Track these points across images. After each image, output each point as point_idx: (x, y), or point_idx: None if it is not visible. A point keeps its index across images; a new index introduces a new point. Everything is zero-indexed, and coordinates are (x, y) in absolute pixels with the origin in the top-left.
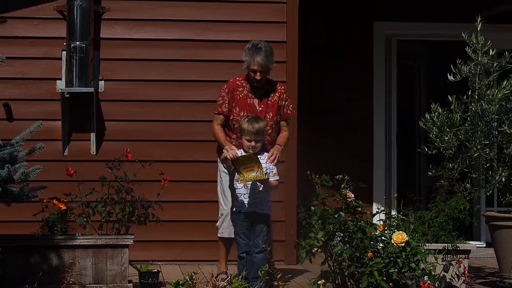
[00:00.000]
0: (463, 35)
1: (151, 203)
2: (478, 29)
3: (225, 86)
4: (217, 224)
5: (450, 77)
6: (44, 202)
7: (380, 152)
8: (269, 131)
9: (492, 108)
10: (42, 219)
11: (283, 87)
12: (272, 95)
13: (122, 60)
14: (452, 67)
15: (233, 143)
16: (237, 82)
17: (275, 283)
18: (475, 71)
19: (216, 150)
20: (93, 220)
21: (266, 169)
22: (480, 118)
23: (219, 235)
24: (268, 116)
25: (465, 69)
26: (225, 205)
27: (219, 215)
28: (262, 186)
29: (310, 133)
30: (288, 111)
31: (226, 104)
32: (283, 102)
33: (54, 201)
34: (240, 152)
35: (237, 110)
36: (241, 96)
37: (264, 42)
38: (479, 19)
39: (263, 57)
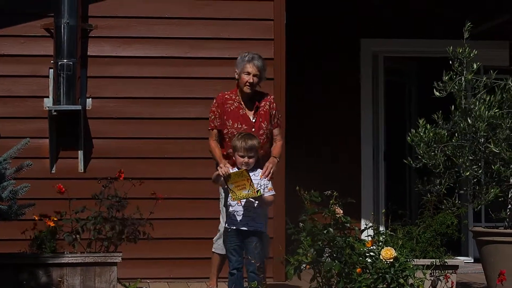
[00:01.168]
0: (448, 49)
1: (142, 222)
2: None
3: (214, 101)
4: (213, 238)
5: (436, 93)
6: (36, 219)
7: (368, 168)
8: (265, 140)
9: (481, 125)
10: (30, 237)
11: (272, 96)
12: (263, 104)
13: (110, 78)
14: (435, 83)
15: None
16: (226, 96)
17: None
18: (459, 87)
19: (215, 167)
20: (82, 238)
21: (260, 186)
22: (466, 135)
23: (213, 250)
24: (264, 125)
25: (448, 86)
26: (223, 221)
27: (218, 230)
28: (257, 202)
29: (296, 148)
30: (278, 121)
31: (218, 119)
32: (273, 111)
33: (46, 220)
34: (234, 170)
35: (230, 122)
36: (232, 108)
37: (257, 54)
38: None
39: (259, 63)
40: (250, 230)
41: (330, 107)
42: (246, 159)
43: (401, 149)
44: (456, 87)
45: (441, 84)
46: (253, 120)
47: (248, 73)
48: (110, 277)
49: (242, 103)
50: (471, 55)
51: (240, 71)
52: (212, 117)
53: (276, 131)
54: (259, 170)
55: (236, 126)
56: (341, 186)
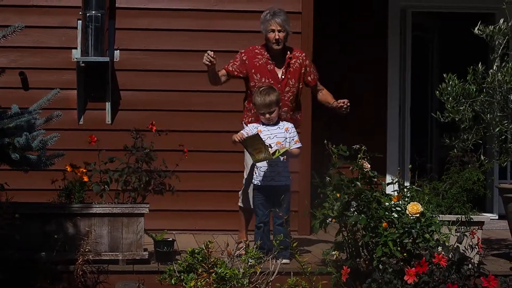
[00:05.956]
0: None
1: (168, 173)
2: None
3: (243, 51)
4: (239, 192)
5: (476, 30)
6: (65, 169)
7: (394, 124)
8: (291, 97)
9: (508, 79)
10: (59, 187)
11: (304, 54)
12: (293, 61)
13: (138, 30)
14: (478, 23)
15: (251, 117)
16: (255, 50)
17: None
18: (498, 31)
19: (241, 120)
20: (110, 189)
21: (287, 139)
22: (496, 90)
23: (239, 204)
24: (291, 83)
25: (488, 30)
26: (246, 175)
27: (243, 184)
28: (284, 157)
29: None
30: (315, 77)
31: (236, 66)
32: (306, 68)
33: (75, 170)
34: (255, 128)
35: (258, 76)
36: (260, 63)
37: (278, 9)
38: None
39: (281, 18)
40: (275, 186)
41: (355, 63)
42: (267, 115)
43: (423, 104)
44: (495, 32)
45: (481, 26)
46: (282, 77)
47: (273, 31)
48: (137, 227)
49: (271, 59)
50: None
51: (265, 30)
52: (232, 61)
53: (316, 85)
54: (283, 123)
55: (263, 80)
56: (367, 142)
